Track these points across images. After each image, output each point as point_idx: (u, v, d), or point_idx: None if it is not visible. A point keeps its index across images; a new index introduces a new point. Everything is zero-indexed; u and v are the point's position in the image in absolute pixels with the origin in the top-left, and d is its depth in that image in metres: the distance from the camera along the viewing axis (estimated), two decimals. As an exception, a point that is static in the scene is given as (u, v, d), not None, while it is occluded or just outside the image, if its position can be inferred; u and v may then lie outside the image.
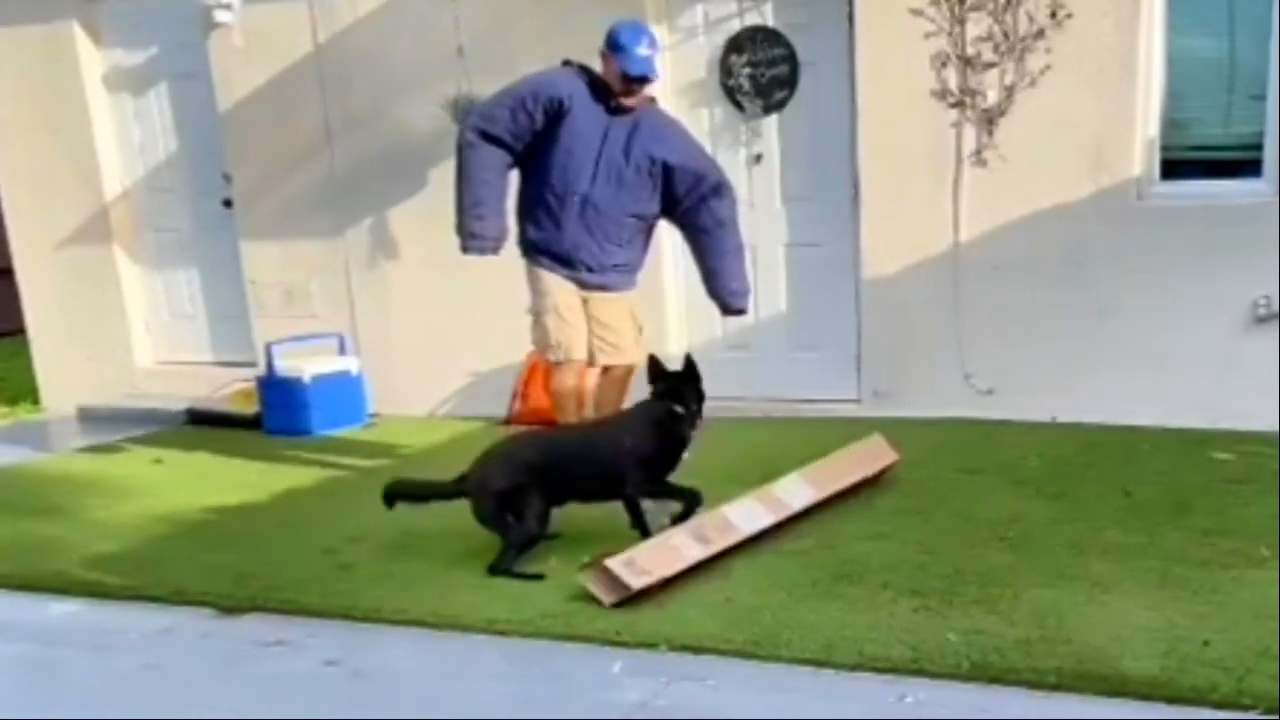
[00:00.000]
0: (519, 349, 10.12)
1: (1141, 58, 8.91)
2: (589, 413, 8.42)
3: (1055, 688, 4.98)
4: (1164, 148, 9.15)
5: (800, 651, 5.45)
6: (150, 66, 12.17)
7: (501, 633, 5.92)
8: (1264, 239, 8.67)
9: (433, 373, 11.17)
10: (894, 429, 8.55)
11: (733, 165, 9.97)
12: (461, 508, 7.19)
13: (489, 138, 8.02)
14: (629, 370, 8.42)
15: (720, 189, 8.32)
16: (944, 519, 7.12)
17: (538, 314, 8.34)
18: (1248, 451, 8.20)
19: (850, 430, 8.32)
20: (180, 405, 11.78)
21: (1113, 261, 9.16)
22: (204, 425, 11.46)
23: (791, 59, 9.93)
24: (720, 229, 8.35)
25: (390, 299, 11.27)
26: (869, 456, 7.90)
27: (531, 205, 8.22)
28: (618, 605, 6.05)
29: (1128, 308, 9.18)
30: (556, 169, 8.04)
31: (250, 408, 11.27)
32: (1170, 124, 9.16)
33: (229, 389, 11.76)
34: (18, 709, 5.62)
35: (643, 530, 6.96)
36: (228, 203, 11.92)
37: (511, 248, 8.39)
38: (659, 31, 9.81)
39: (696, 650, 5.57)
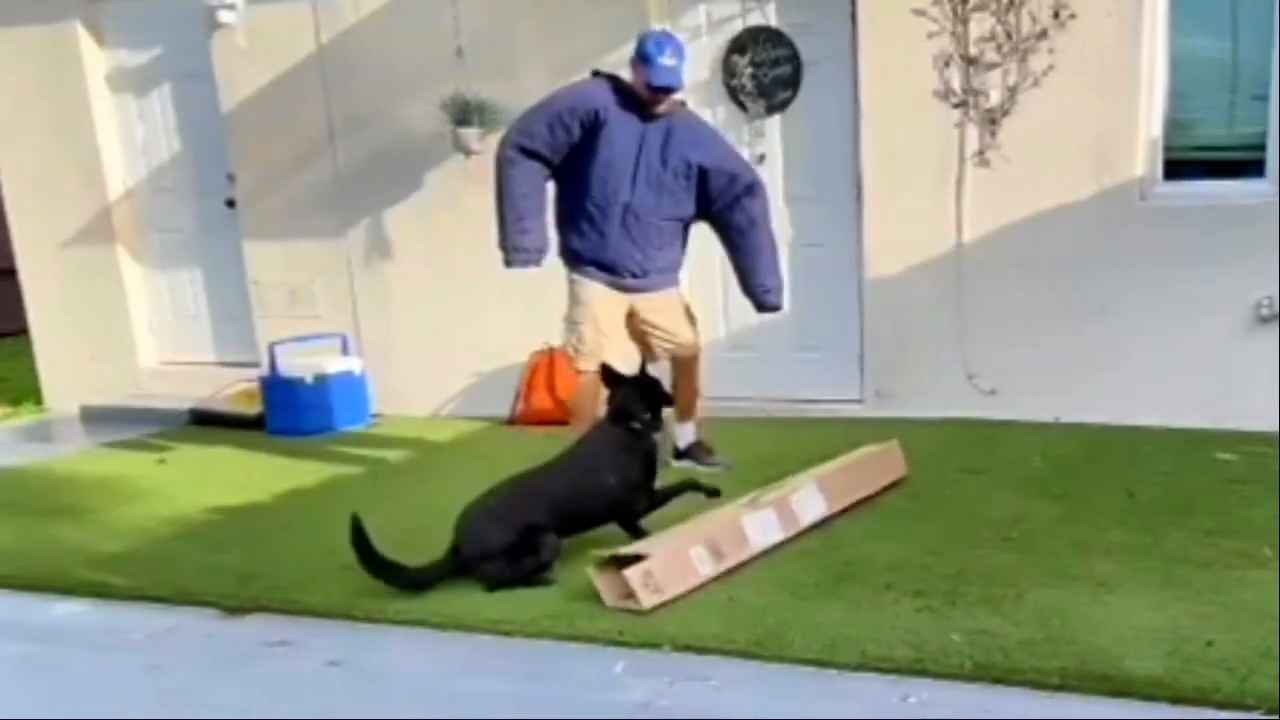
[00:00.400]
0: (522, 349, 10.17)
1: (1144, 58, 8.91)
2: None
3: (1059, 688, 4.98)
4: (1167, 148, 9.15)
5: (803, 652, 5.45)
6: (153, 67, 12.18)
7: (505, 633, 5.93)
8: (1267, 239, 8.67)
9: (436, 373, 11.17)
10: (897, 429, 8.56)
11: (735, 165, 10.00)
12: (462, 507, 7.21)
13: (527, 153, 8.06)
14: (695, 359, 8.67)
15: (753, 189, 8.38)
16: (947, 519, 7.13)
17: (576, 321, 8.39)
18: (1251, 452, 8.19)
19: (853, 430, 8.36)
20: (183, 405, 11.78)
21: (1115, 262, 9.17)
22: (207, 425, 11.46)
23: (794, 59, 9.93)
24: (754, 228, 8.40)
25: (393, 299, 11.28)
26: (884, 467, 7.91)
27: (573, 216, 8.29)
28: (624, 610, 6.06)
29: (1130, 308, 9.18)
30: (596, 180, 8.10)
31: (253, 408, 11.27)
32: (1173, 124, 9.16)
33: (232, 389, 11.76)
34: (22, 709, 5.64)
35: (638, 534, 6.96)
36: (231, 203, 11.92)
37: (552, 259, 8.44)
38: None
39: (699, 650, 5.57)
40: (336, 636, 6.10)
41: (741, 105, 10.09)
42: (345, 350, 11.30)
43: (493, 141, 9.69)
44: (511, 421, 10.61)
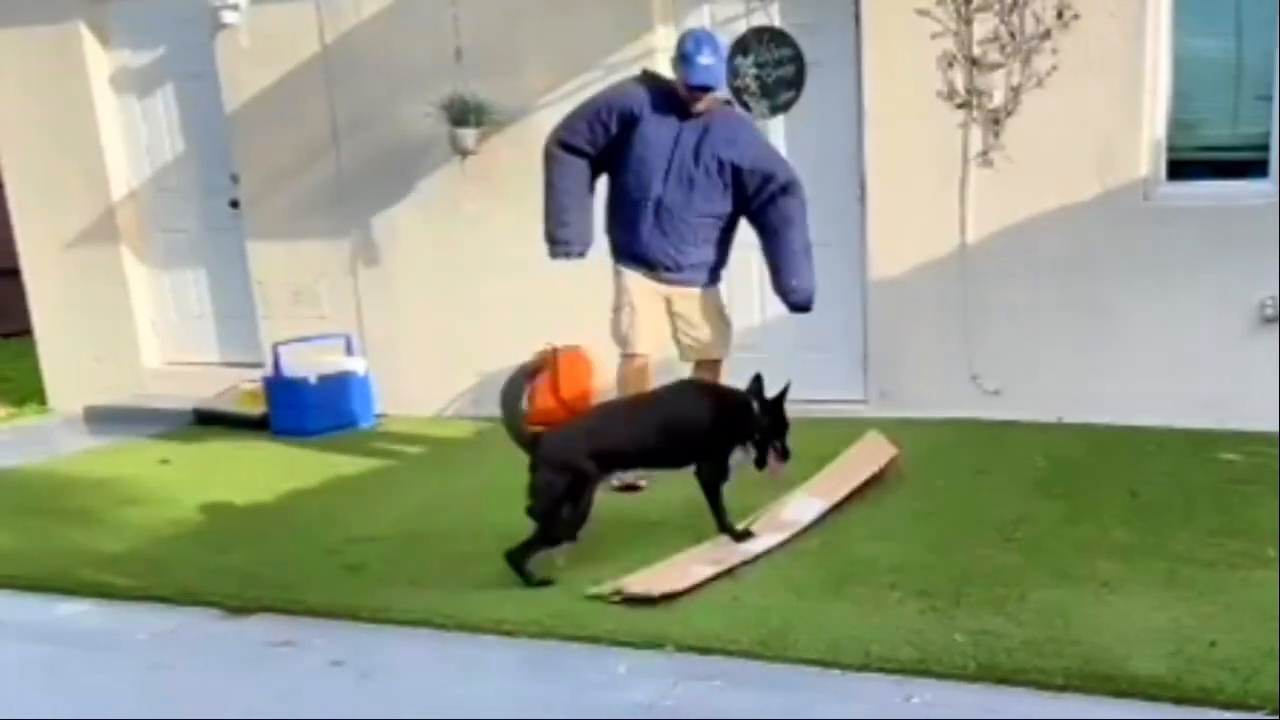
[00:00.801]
0: (526, 349, 10.14)
1: (1148, 58, 8.91)
2: None
3: (1062, 688, 4.98)
4: (1170, 148, 9.16)
5: (807, 652, 5.45)
6: (157, 67, 12.19)
7: (508, 633, 5.93)
8: (1270, 239, 8.67)
9: (440, 373, 11.17)
10: (901, 429, 8.57)
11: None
12: (467, 508, 7.23)
13: (570, 148, 8.26)
14: (716, 364, 8.70)
15: (789, 188, 8.37)
16: (951, 520, 7.13)
17: (617, 309, 8.53)
18: (1255, 452, 8.19)
19: (857, 431, 8.32)
20: (187, 406, 11.78)
21: (1119, 262, 9.17)
22: (211, 426, 11.46)
23: (798, 59, 9.92)
24: (787, 227, 8.40)
25: (397, 299, 11.28)
26: (869, 456, 7.93)
27: (615, 210, 8.46)
28: (626, 602, 6.10)
29: (1134, 308, 9.19)
30: (631, 175, 8.24)
31: (257, 408, 11.27)
32: (1177, 125, 9.17)
33: (236, 389, 11.76)
34: (26, 709, 5.63)
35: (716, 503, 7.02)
36: (235, 203, 11.93)
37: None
38: (666, 32, 9.84)
39: (703, 651, 5.57)
40: (339, 637, 6.10)
41: (745, 106, 10.07)
42: (349, 350, 11.30)
43: (493, 142, 9.74)
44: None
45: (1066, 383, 9.42)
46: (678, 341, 8.67)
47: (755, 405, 7.00)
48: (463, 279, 10.71)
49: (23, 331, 13.89)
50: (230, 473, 9.61)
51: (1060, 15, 8.92)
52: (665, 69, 9.21)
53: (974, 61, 9.19)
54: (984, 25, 9.12)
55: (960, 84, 9.27)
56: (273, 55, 11.24)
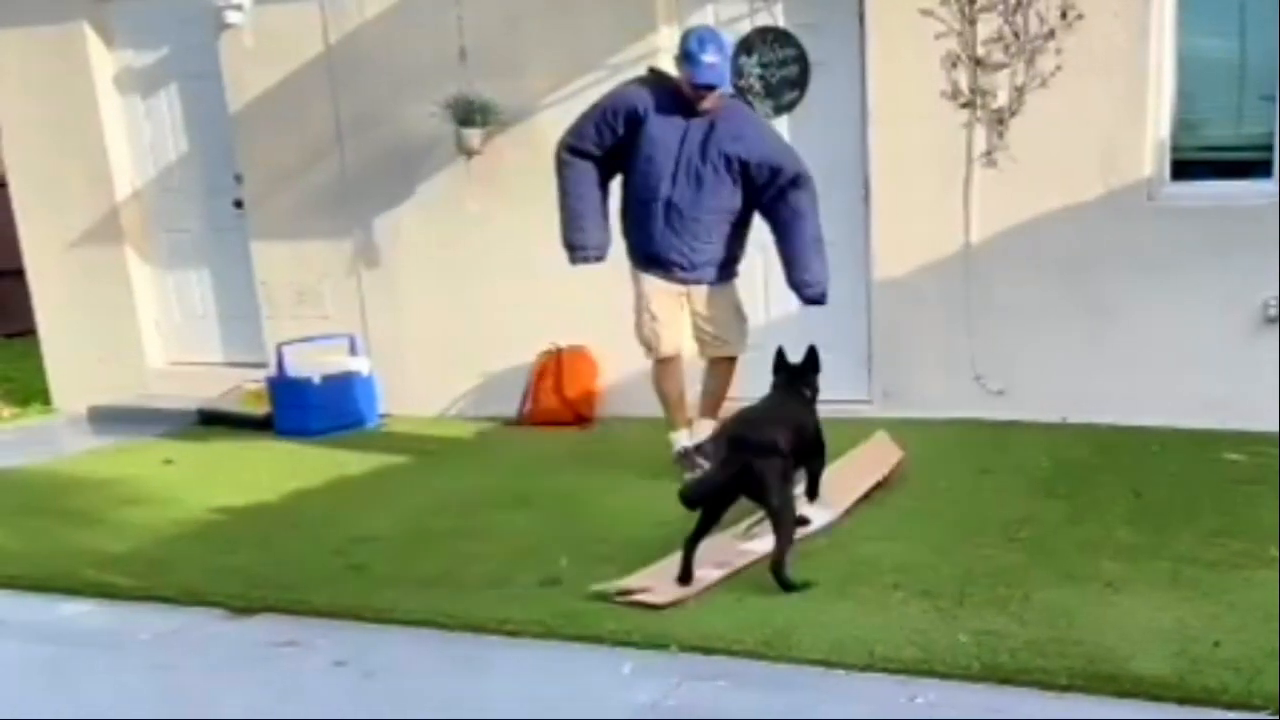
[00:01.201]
0: (529, 349, 10.16)
1: (1152, 58, 8.91)
2: (689, 400, 8.84)
3: (1066, 688, 4.97)
4: (1174, 148, 9.15)
5: (811, 652, 5.44)
6: (161, 67, 12.20)
7: (512, 633, 5.93)
8: (1274, 239, 8.66)
9: (443, 373, 11.18)
10: (905, 429, 8.59)
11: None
12: (470, 508, 7.23)
13: (578, 152, 8.27)
14: (732, 361, 8.75)
15: (798, 181, 8.39)
16: (955, 520, 7.12)
17: (637, 312, 8.57)
18: (1259, 452, 8.18)
19: (861, 431, 8.33)
20: (191, 406, 11.79)
21: (1123, 262, 9.17)
22: (215, 426, 11.47)
23: (802, 59, 9.94)
24: (797, 220, 8.40)
25: (401, 299, 11.28)
26: (877, 460, 7.94)
27: (627, 212, 8.48)
28: (630, 603, 6.10)
29: (1138, 308, 9.18)
30: (640, 176, 8.27)
31: (261, 408, 11.27)
32: (1181, 125, 9.17)
33: (240, 389, 11.76)
34: (30, 709, 5.63)
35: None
36: (239, 203, 11.93)
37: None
38: (670, 32, 9.83)
39: (707, 651, 5.57)
40: (343, 637, 6.10)
41: (749, 105, 10.08)
42: (353, 350, 11.31)
43: (496, 143, 9.74)
44: (519, 421, 10.62)
45: (1070, 383, 9.42)
46: (696, 338, 8.72)
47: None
48: (466, 279, 10.71)
49: (27, 331, 13.91)
50: (234, 473, 9.62)
51: (1064, 15, 8.91)
52: (669, 69, 9.23)
53: (978, 61, 9.19)
54: (988, 25, 9.12)
55: (964, 84, 9.27)
56: (276, 55, 11.24)
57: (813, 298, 8.57)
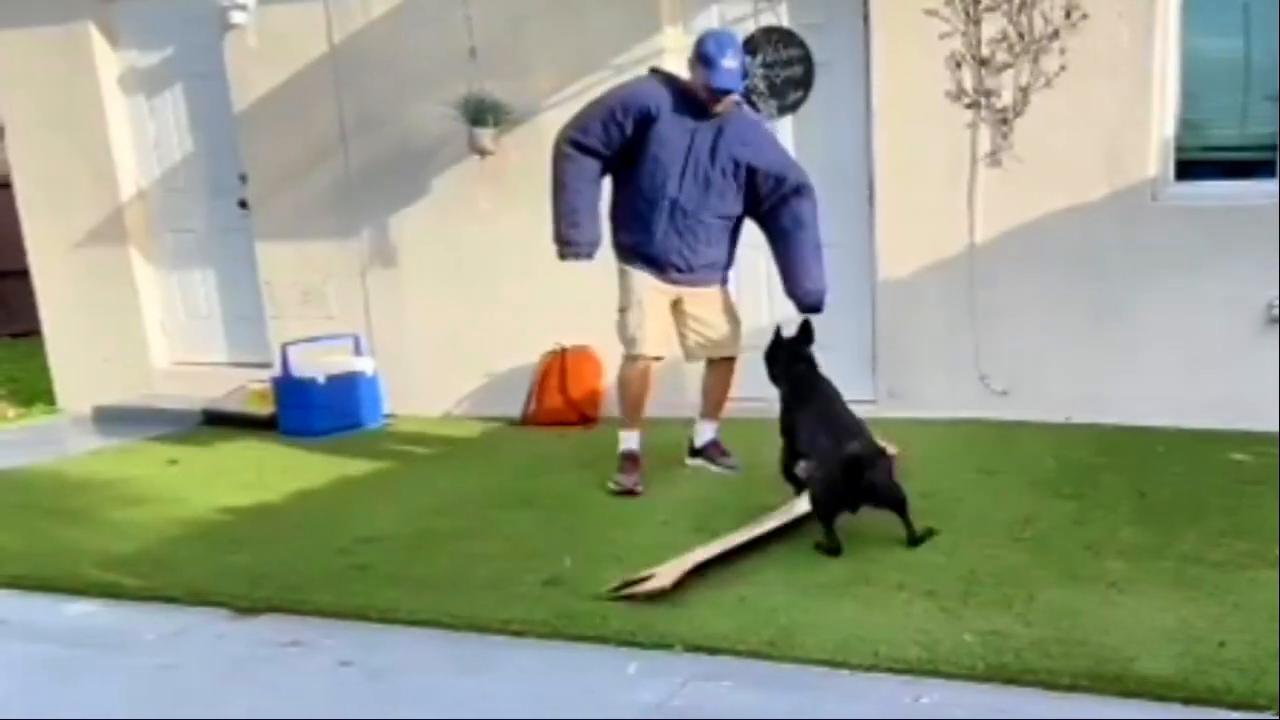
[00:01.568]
0: (534, 349, 10.17)
1: (1156, 58, 8.91)
2: (644, 412, 8.70)
3: (1071, 688, 4.97)
4: (1179, 148, 9.15)
5: (815, 652, 5.45)
6: (166, 67, 12.21)
7: (517, 633, 5.94)
8: (1278, 240, 8.67)
9: (448, 373, 11.18)
10: (909, 429, 8.58)
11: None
12: (475, 508, 7.22)
13: (583, 148, 8.15)
14: (731, 362, 8.76)
15: (801, 190, 8.39)
16: (959, 519, 7.11)
17: (624, 309, 8.49)
18: (1264, 452, 8.18)
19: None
20: (196, 406, 11.79)
21: (1128, 262, 9.17)
22: (220, 426, 11.47)
23: (806, 60, 9.94)
24: (799, 229, 8.41)
25: (406, 299, 11.28)
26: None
27: (624, 211, 8.41)
28: (634, 599, 6.12)
29: (1143, 308, 9.18)
30: (646, 176, 8.18)
31: (266, 408, 11.28)
32: (1185, 125, 9.16)
33: (244, 389, 11.76)
34: (35, 709, 5.64)
35: None
36: (243, 203, 11.94)
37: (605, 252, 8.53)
38: (675, 33, 9.84)
39: (712, 651, 5.57)
40: (348, 637, 6.10)
41: (753, 106, 10.05)
42: (358, 350, 11.31)
43: (501, 143, 9.74)
44: (523, 421, 10.63)
45: (1075, 383, 9.42)
46: (685, 341, 8.69)
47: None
48: (471, 279, 10.71)
49: (32, 332, 13.94)
50: (238, 473, 9.61)
51: (1069, 15, 8.91)
52: (674, 69, 9.22)
53: (982, 62, 9.19)
54: (992, 25, 9.12)
55: (969, 84, 9.27)
56: (281, 55, 11.25)
57: (812, 305, 8.58)
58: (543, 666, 5.65)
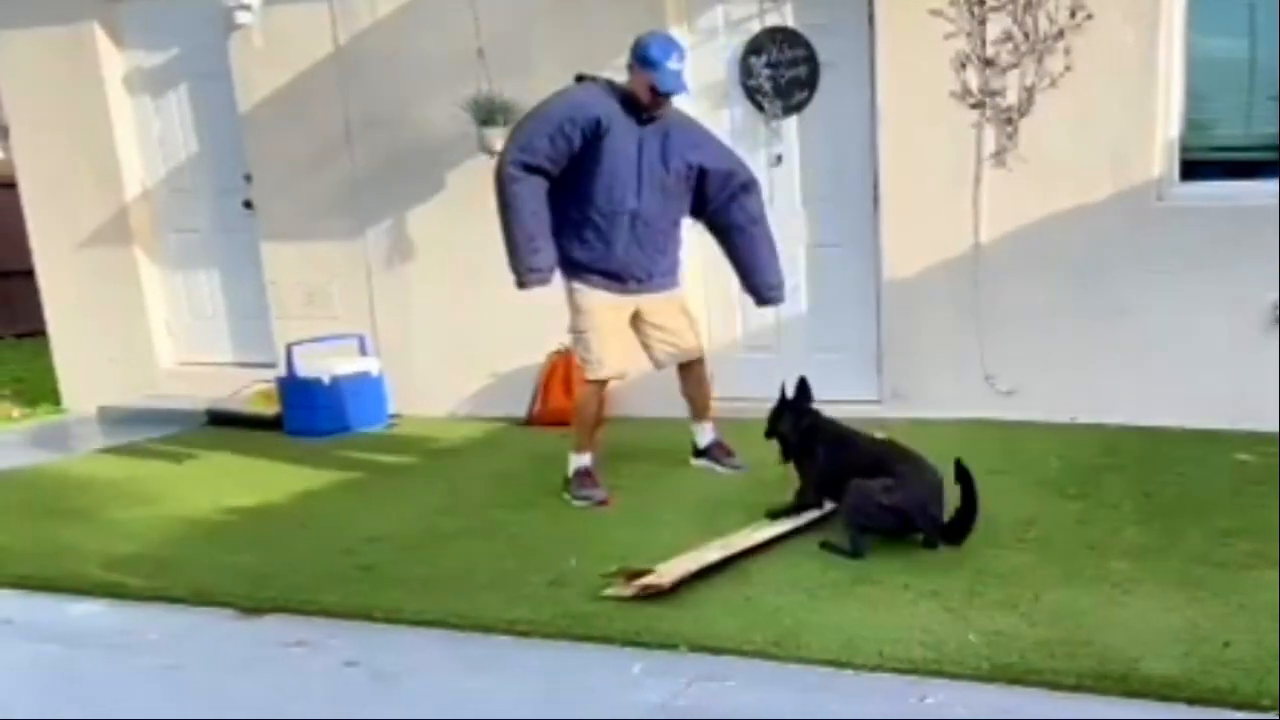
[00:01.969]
0: (539, 349, 10.17)
1: (1161, 58, 8.90)
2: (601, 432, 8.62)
3: (1075, 689, 4.97)
4: (1184, 149, 9.15)
5: (820, 652, 5.44)
6: (171, 67, 12.21)
7: (522, 634, 5.94)
8: (1280, 241, 8.69)
9: (453, 373, 11.18)
10: (914, 429, 8.58)
11: (753, 166, 9.97)
12: (479, 508, 7.21)
13: (530, 168, 7.87)
14: (701, 362, 8.70)
15: (749, 186, 8.40)
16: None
17: (581, 331, 8.29)
18: (1268, 452, 8.17)
19: (871, 431, 8.31)
20: (201, 406, 11.81)
21: (1133, 262, 9.16)
22: (224, 426, 11.49)
23: (811, 60, 9.94)
24: (754, 225, 8.42)
25: (411, 300, 11.28)
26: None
27: (577, 226, 8.12)
28: (640, 598, 6.13)
29: (1148, 309, 9.18)
30: (601, 189, 7.98)
31: (271, 409, 11.28)
32: (1190, 125, 9.16)
33: (250, 390, 11.77)
34: (39, 709, 5.64)
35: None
36: (248, 203, 11.95)
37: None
38: (679, 33, 9.83)
39: (716, 651, 5.57)
40: (353, 637, 6.10)
41: (758, 106, 10.10)
42: (363, 351, 11.32)
43: (506, 142, 9.75)
44: (528, 422, 10.63)
45: (1080, 383, 9.42)
46: (652, 353, 8.64)
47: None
48: (476, 279, 10.69)
49: (37, 332, 13.95)
50: (243, 473, 9.62)
51: (1073, 15, 8.91)
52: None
53: (987, 62, 9.19)
54: (997, 25, 9.12)
55: (974, 84, 9.27)
56: (287, 55, 11.26)
57: (776, 299, 8.67)
58: (547, 666, 5.65)
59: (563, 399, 10.40)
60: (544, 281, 8.08)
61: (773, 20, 10.03)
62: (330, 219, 11.42)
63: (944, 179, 9.47)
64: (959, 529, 6.67)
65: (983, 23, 9.14)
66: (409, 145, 10.98)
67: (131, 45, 12.23)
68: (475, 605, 6.26)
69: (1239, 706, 4.74)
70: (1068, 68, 8.99)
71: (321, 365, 10.97)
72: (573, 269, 8.22)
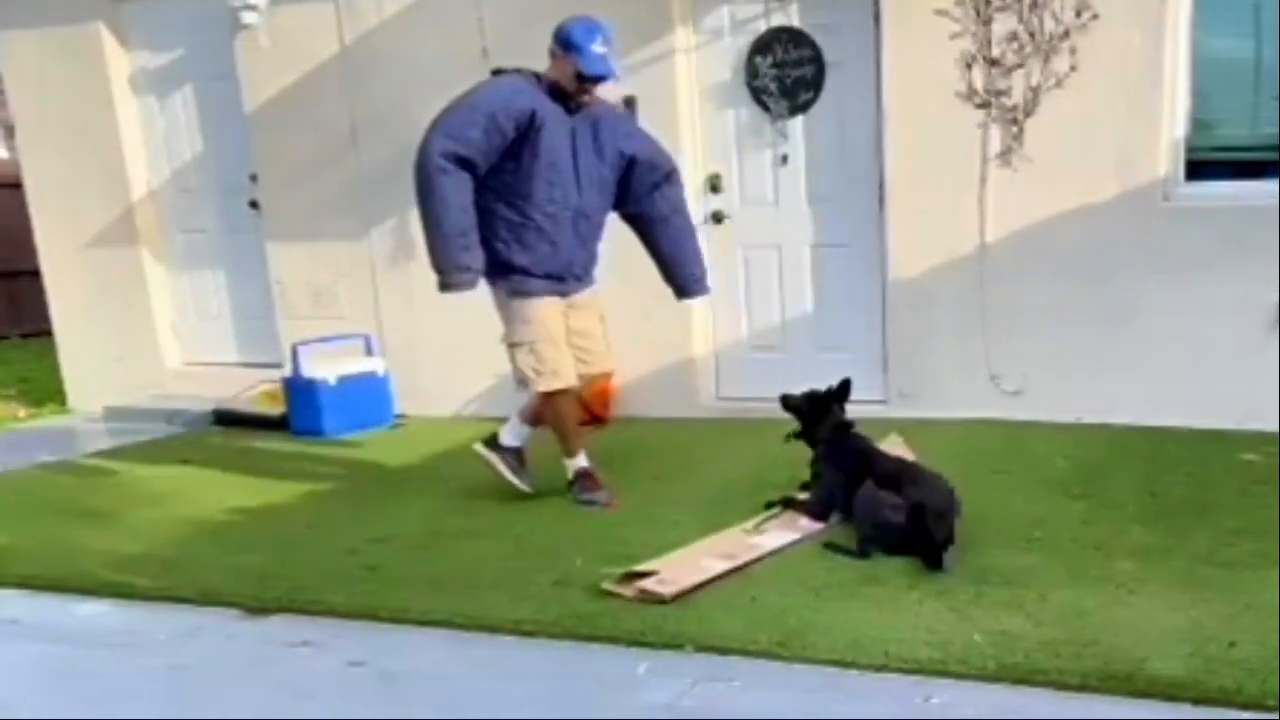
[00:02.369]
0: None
1: (1167, 58, 8.90)
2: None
3: (1081, 689, 4.96)
4: (1189, 149, 9.14)
5: (826, 652, 5.44)
6: (177, 68, 12.23)
7: (528, 634, 5.93)
8: (1290, 239, 8.68)
9: (458, 373, 11.17)
10: (920, 429, 8.59)
11: (759, 166, 10.04)
12: (485, 508, 7.20)
13: (460, 161, 7.52)
14: (608, 376, 8.56)
15: (672, 176, 8.21)
16: (970, 519, 7.05)
17: (528, 342, 7.87)
18: (1274, 452, 8.16)
19: (876, 432, 8.29)
20: (206, 406, 11.83)
21: (1138, 262, 9.16)
22: (230, 426, 11.52)
23: (817, 60, 9.93)
24: (677, 215, 8.24)
25: (416, 300, 11.26)
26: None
27: (516, 229, 7.75)
28: (640, 599, 6.14)
29: (1153, 308, 9.17)
30: (541, 186, 7.68)
31: (276, 409, 11.30)
32: (1195, 125, 9.16)
33: (255, 390, 11.78)
34: (46, 709, 5.65)
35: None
36: (254, 203, 11.96)
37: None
38: (685, 33, 9.85)
39: (722, 651, 5.57)
40: (359, 637, 6.10)
41: (764, 106, 10.10)
42: (368, 351, 11.33)
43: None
44: (534, 423, 10.62)
45: (1086, 382, 9.42)
46: (579, 359, 8.16)
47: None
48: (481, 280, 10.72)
49: (43, 332, 13.96)
50: (249, 473, 9.62)
51: (1079, 15, 8.91)
52: (683, 69, 9.26)
53: (993, 62, 9.19)
54: (1003, 25, 9.12)
55: (979, 84, 9.27)
56: (292, 56, 11.28)
57: (701, 291, 8.47)
58: (553, 667, 5.65)
59: (569, 399, 10.43)
60: (472, 284, 7.73)
61: (778, 20, 10.02)
62: (336, 219, 11.43)
63: (950, 179, 9.47)
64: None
65: (988, 23, 9.14)
66: (414, 145, 10.95)
67: (137, 45, 12.25)
68: (481, 605, 6.26)
69: (1244, 707, 4.73)
70: (1073, 68, 8.99)
71: (327, 365, 10.97)
72: (511, 275, 7.84)
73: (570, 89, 7.65)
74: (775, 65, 10.03)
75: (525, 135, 7.55)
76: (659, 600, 6.07)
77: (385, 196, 11.17)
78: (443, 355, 11.23)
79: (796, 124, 10.12)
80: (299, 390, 11.08)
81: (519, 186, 7.68)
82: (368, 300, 11.47)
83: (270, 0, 11.06)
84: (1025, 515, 7.20)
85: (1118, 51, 8.92)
